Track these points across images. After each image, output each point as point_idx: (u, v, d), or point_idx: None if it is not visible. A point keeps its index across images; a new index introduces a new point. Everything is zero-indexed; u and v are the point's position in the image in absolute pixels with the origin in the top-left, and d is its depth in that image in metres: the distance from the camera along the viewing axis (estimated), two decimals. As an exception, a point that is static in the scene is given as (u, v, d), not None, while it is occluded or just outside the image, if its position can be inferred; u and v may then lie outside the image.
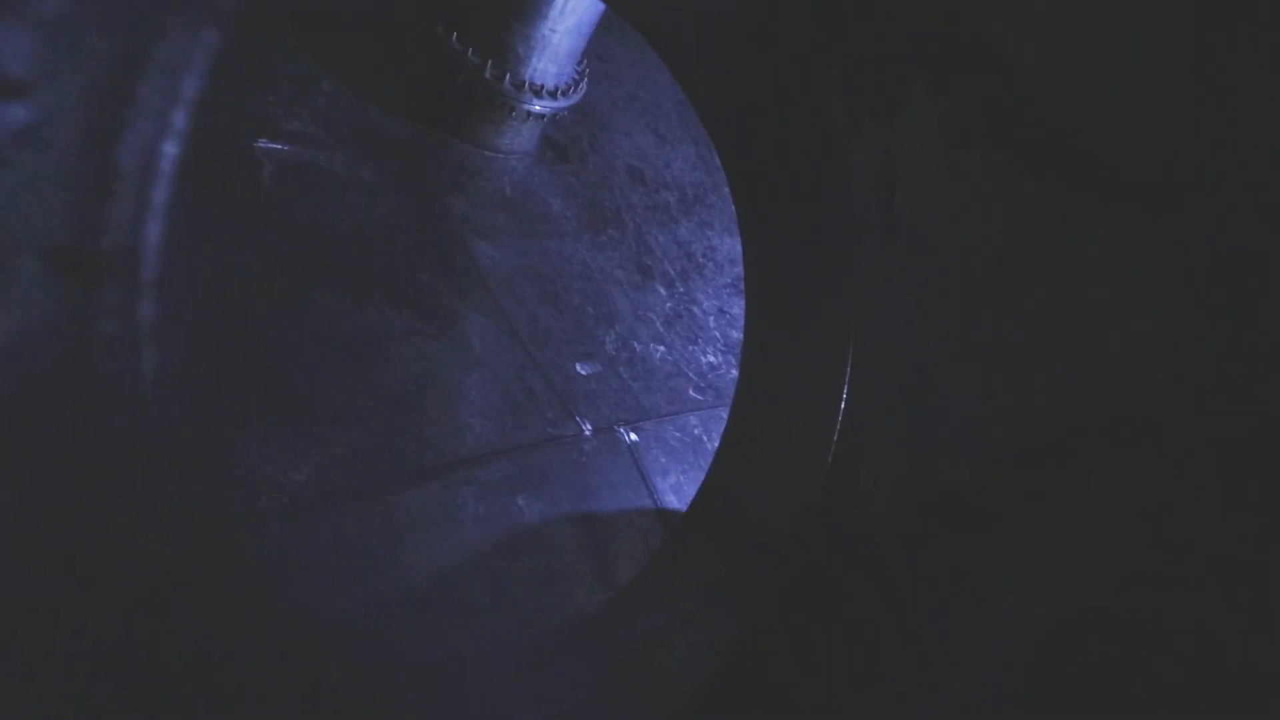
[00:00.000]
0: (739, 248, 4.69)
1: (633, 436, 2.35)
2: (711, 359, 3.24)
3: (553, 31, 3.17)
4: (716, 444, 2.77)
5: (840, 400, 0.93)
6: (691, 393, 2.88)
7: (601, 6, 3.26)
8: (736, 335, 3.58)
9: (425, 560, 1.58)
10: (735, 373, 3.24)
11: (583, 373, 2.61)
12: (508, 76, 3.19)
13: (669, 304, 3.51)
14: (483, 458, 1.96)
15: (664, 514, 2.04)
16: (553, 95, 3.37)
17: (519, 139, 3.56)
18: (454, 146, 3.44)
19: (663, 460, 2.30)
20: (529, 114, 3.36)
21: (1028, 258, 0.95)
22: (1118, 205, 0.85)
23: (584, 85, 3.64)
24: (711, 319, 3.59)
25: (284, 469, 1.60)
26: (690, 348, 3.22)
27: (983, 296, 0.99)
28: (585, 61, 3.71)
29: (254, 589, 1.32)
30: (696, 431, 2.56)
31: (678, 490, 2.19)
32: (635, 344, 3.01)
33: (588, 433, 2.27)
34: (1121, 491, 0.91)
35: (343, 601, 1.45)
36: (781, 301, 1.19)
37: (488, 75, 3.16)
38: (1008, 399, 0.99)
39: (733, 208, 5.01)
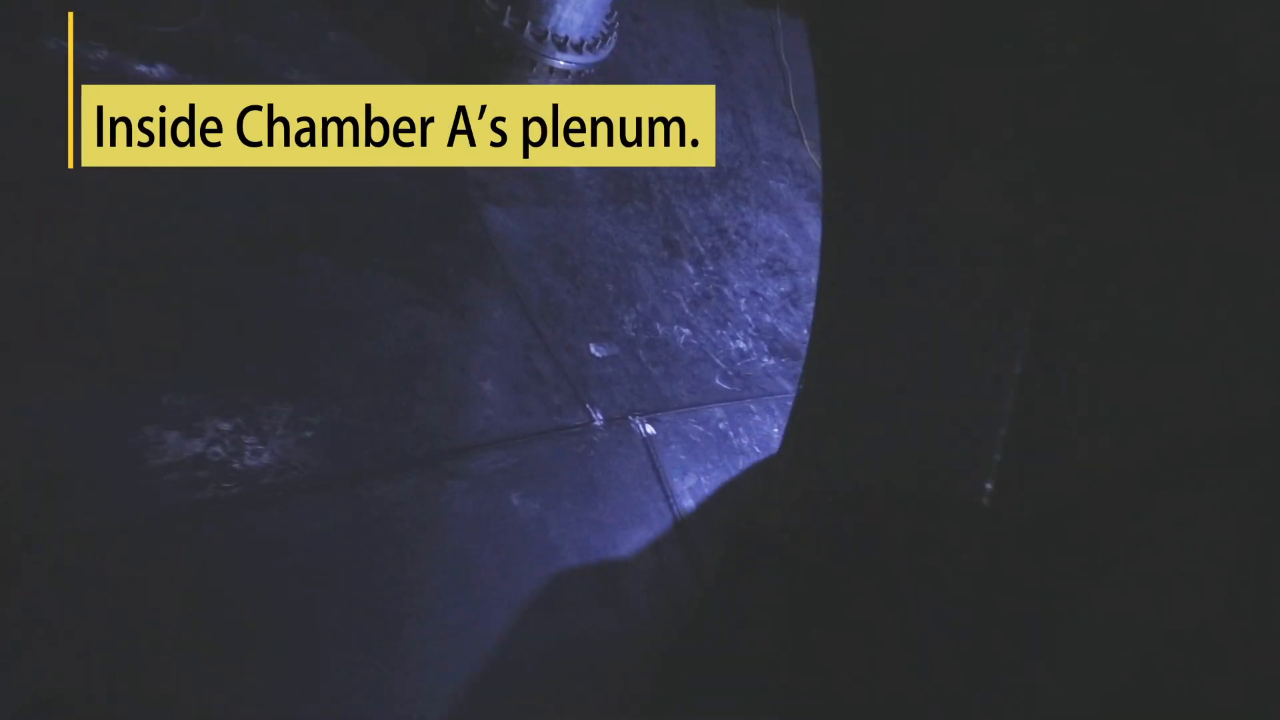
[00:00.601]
0: (774, 225, 4.31)
1: (649, 429, 2.08)
2: (741, 345, 2.94)
3: (579, -26, 2.86)
4: (743, 440, 2.48)
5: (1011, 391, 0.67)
6: (718, 381, 2.59)
7: (634, -54, 2.92)
8: (769, 320, 3.26)
9: (397, 568, 1.35)
10: (767, 361, 2.93)
11: (597, 355, 2.35)
12: (529, 25, 2.89)
13: (697, 283, 3.21)
14: (477, 446, 1.72)
15: (680, 522, 1.77)
16: (578, 49, 3.06)
17: (541, 99, 3.28)
18: (471, 105, 3.17)
19: (682, 458, 2.03)
20: (551, 69, 3.06)
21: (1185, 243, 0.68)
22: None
23: (613, 40, 3.31)
24: (743, 301, 3.28)
25: (239, 452, 1.38)
26: (719, 332, 2.92)
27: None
28: (615, 15, 3.39)
29: (178, 597, 1.12)
30: (722, 426, 2.28)
31: (696, 493, 1.92)
32: (658, 325, 2.73)
33: (598, 423, 2.01)
34: (1235, 511, 0.73)
35: (287, 619, 1.23)
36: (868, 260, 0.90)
37: (507, 24, 2.87)
38: (1128, 404, 0.73)
39: (769, 182, 4.60)
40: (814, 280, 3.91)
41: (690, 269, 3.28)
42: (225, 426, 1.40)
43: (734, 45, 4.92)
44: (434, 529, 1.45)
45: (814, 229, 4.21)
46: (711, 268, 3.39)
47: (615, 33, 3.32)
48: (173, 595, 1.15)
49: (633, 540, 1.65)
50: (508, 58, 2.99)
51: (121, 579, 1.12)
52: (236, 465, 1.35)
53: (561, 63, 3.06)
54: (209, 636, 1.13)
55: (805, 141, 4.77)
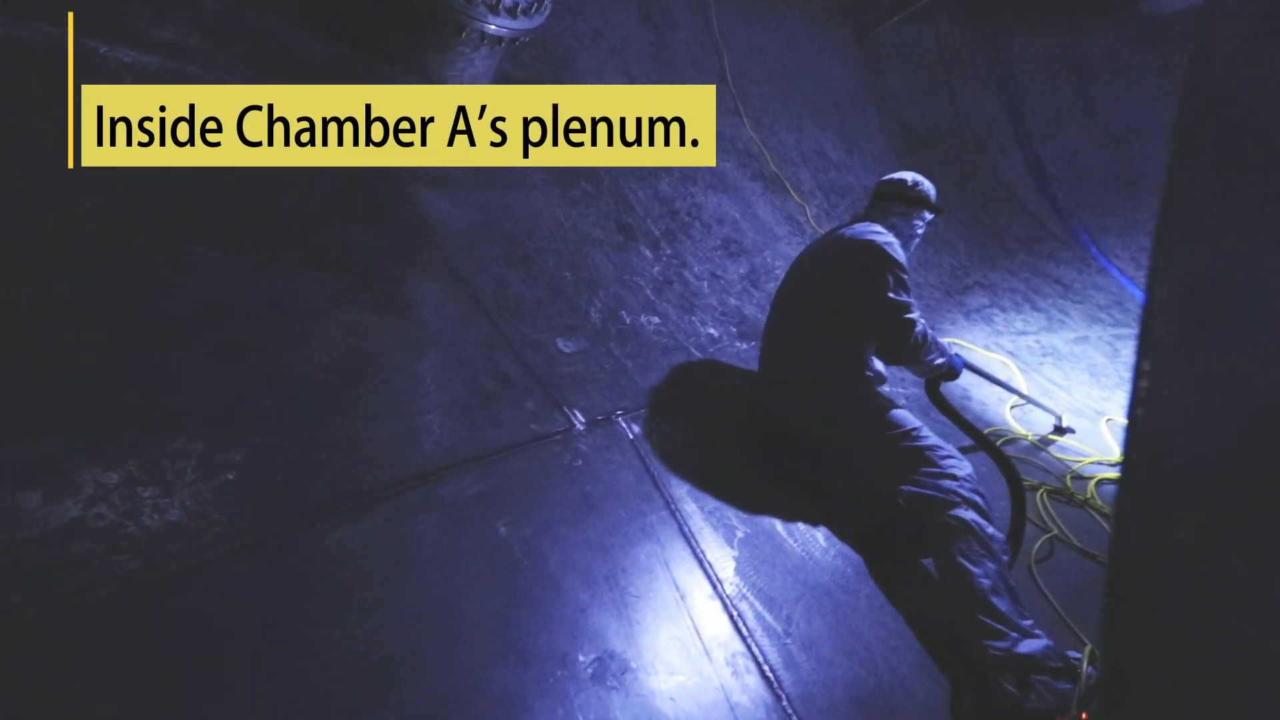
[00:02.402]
0: (725, 206, 4.20)
1: (635, 429, 1.88)
2: (712, 330, 2.79)
3: (510, -74, 2.56)
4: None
5: None
6: (695, 371, 2.42)
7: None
8: (734, 302, 3.14)
9: (366, 635, 1.07)
10: (740, 345, 2.80)
11: (566, 350, 2.11)
12: (455, -17, 2.56)
13: (657, 268, 3.03)
14: (445, 469, 1.45)
15: (687, 532, 1.59)
16: (511, 13, 2.76)
17: (471, 69, 2.94)
18: (389, 76, 2.79)
19: (676, 456, 1.84)
20: (483, 35, 2.74)
21: None
22: None
23: (548, 6, 3.03)
24: (706, 284, 3.13)
25: (134, 511, 1.04)
26: (688, 318, 2.75)
27: None
28: (548, -23, 3.10)
29: (79, 694, 0.80)
30: (709, 418, 2.12)
31: (697, 496, 1.74)
32: (624, 314, 2.52)
33: (580, 426, 1.79)
34: None
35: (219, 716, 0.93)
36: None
37: (429, -20, 2.52)
38: None
39: (716, 162, 4.47)
40: (769, 260, 3.84)
41: (648, 253, 3.09)
42: (111, 478, 1.05)
43: (666, 20, 4.73)
44: (407, 578, 1.18)
45: (763, 209, 4.14)
46: (669, 251, 3.21)
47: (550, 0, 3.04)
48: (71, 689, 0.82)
49: (641, 560, 1.44)
50: (433, 21, 2.64)
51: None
52: (132, 528, 1.01)
53: (493, 27, 2.74)
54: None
55: (745, 120, 4.68)
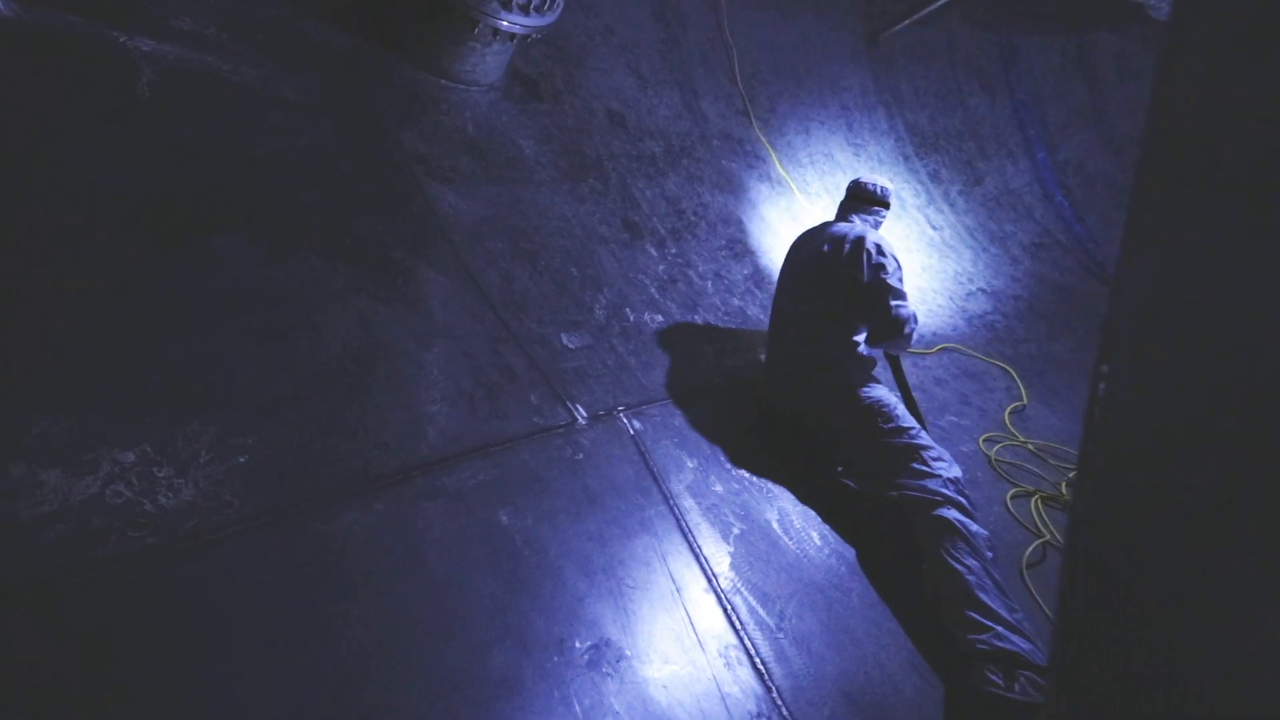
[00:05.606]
0: (730, 206, 4.21)
1: (636, 424, 1.91)
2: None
3: (525, -77, 2.58)
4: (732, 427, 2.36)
5: None
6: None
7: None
8: (737, 302, 3.17)
9: (373, 616, 1.11)
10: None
11: (570, 345, 2.14)
12: (469, -21, 2.58)
13: (661, 266, 3.05)
14: (450, 459, 1.48)
15: (685, 527, 1.62)
16: (524, 9, 2.78)
17: (483, 65, 2.97)
18: (404, 70, 2.82)
19: (675, 453, 1.87)
20: (496, 31, 2.77)
21: None
22: None
23: (560, 3, 3.05)
24: (710, 284, 3.16)
25: (150, 489, 1.08)
26: (691, 317, 2.78)
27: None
28: (561, -26, 3.12)
29: (83, 676, 0.83)
30: (707, 416, 2.15)
31: (695, 492, 1.78)
32: (628, 311, 2.55)
33: (582, 420, 1.82)
34: None
35: (232, 708, 0.97)
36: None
37: (444, -25, 2.55)
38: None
39: (722, 162, 4.51)
40: (774, 261, 3.86)
41: (653, 251, 3.12)
42: (128, 458, 1.09)
43: (677, 17, 4.74)
44: (413, 562, 1.22)
45: (769, 210, 4.16)
46: (674, 250, 3.24)
47: (562, -4, 3.06)
48: (63, 694, 0.86)
49: (639, 552, 1.48)
50: (447, 17, 2.67)
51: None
52: (148, 507, 1.05)
53: (506, 23, 2.77)
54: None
55: (753, 122, 4.70)
